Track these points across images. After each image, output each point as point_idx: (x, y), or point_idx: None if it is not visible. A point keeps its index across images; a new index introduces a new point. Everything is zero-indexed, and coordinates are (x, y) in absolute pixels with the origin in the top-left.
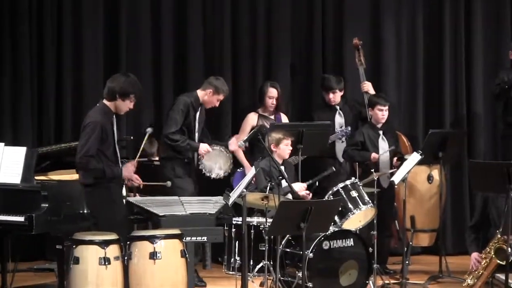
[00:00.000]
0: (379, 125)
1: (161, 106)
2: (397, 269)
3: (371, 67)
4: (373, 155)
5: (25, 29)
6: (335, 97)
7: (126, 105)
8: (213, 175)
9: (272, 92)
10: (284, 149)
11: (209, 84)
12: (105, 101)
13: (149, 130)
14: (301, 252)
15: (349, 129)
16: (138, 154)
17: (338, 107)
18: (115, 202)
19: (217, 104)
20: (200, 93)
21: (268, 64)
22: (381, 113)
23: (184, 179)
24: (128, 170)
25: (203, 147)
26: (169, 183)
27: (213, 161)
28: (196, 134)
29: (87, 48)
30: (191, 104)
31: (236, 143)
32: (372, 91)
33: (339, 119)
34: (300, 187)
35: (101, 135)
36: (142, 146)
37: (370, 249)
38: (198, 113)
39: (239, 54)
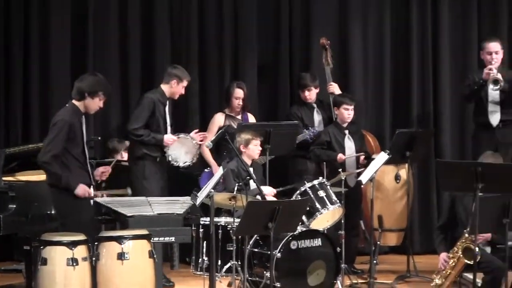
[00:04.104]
0: (345, 125)
1: (129, 106)
2: (365, 268)
3: (338, 67)
4: (340, 156)
5: None
6: (311, 94)
7: (96, 103)
8: (181, 164)
9: (239, 92)
10: (253, 149)
11: (171, 75)
12: (74, 101)
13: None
14: (269, 252)
15: (316, 129)
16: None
17: (315, 105)
18: (81, 202)
19: (183, 92)
20: (164, 87)
21: (236, 64)
22: (347, 112)
23: (150, 180)
24: (82, 190)
25: (168, 137)
26: (129, 191)
27: (178, 149)
28: (169, 128)
29: (54, 48)
30: (158, 100)
31: (197, 136)
32: (338, 92)
33: (317, 117)
34: (270, 191)
35: (69, 134)
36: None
37: (338, 249)
38: (167, 107)
39: (206, 54)
